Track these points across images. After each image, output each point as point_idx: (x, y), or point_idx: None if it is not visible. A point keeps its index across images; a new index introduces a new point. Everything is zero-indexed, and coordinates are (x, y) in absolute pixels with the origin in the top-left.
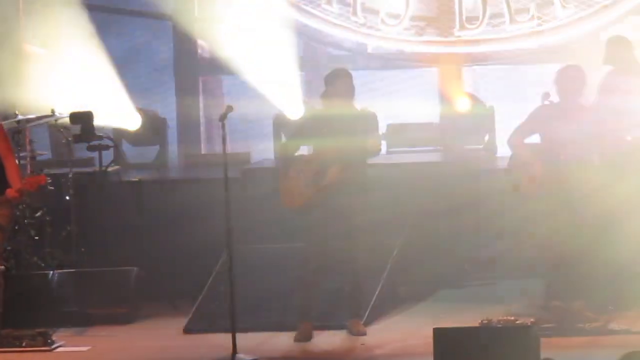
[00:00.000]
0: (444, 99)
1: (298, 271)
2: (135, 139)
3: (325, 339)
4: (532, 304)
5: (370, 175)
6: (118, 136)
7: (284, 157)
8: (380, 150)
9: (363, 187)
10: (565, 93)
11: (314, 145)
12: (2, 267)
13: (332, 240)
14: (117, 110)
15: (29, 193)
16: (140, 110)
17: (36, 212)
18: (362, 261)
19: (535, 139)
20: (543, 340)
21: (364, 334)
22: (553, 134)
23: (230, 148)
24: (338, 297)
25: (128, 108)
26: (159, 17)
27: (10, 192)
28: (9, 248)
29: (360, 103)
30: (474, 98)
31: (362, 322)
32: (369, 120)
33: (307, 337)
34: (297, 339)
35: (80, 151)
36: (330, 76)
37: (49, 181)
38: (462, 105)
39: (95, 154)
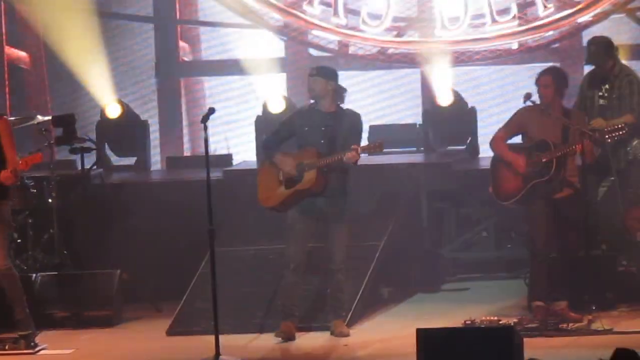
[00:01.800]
0: (425, 100)
1: (280, 271)
2: (117, 145)
3: (309, 340)
4: (515, 304)
5: (352, 176)
6: (100, 139)
7: (265, 153)
8: (357, 161)
9: (341, 191)
10: (546, 94)
11: (297, 144)
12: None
13: (310, 241)
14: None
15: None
16: (121, 102)
17: (19, 215)
18: (343, 262)
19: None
20: (526, 340)
21: (347, 335)
22: (535, 135)
23: (212, 150)
24: (321, 298)
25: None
26: (141, 19)
27: (3, 174)
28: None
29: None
30: (456, 99)
31: (345, 323)
32: (351, 122)
33: (289, 337)
34: (277, 335)
35: (63, 153)
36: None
37: (29, 181)
38: (445, 106)
39: (78, 157)
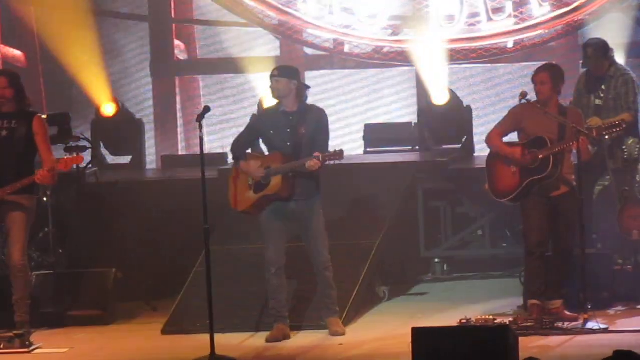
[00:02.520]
0: (421, 98)
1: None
2: (112, 144)
3: (303, 339)
4: (511, 303)
5: (325, 177)
6: (96, 138)
7: (233, 156)
8: (319, 168)
9: (312, 192)
10: (543, 91)
11: (266, 146)
12: None
13: (286, 242)
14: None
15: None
16: (116, 100)
17: None
18: (328, 260)
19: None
20: (522, 339)
21: (343, 334)
22: (531, 131)
23: (207, 148)
24: (311, 296)
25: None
26: (136, 18)
27: (40, 173)
28: None
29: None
30: (451, 98)
31: (341, 320)
32: (316, 118)
33: (279, 338)
34: (268, 340)
35: (58, 152)
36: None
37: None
38: (440, 105)
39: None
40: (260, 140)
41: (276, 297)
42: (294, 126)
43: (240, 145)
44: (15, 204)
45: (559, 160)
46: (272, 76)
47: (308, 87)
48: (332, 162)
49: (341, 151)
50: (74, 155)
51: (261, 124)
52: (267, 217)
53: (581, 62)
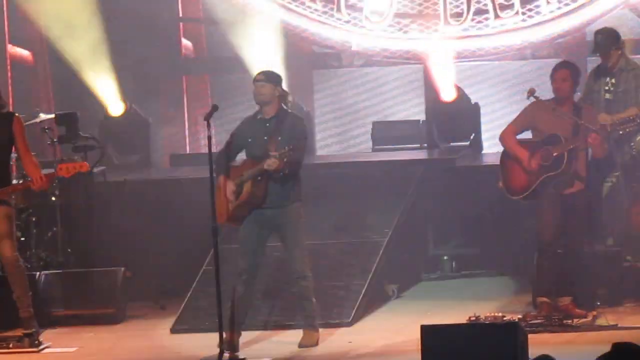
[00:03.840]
0: (429, 96)
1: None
2: (120, 143)
3: None
4: (520, 300)
5: (305, 182)
6: (104, 137)
7: (215, 169)
8: (279, 167)
9: (287, 198)
10: (563, 88)
11: (246, 155)
12: None
13: (262, 251)
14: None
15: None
16: (124, 99)
17: (22, 213)
18: (304, 270)
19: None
20: (531, 336)
21: (315, 345)
22: (545, 129)
23: (215, 147)
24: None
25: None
26: (144, 16)
27: (36, 181)
28: None
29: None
30: (459, 95)
31: (317, 333)
32: (292, 125)
33: (232, 348)
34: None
35: (66, 152)
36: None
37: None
38: (448, 102)
39: (81, 155)
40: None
41: (239, 307)
42: (269, 134)
43: (220, 158)
44: (2, 201)
45: (573, 157)
46: (256, 81)
47: (288, 94)
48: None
49: (292, 147)
50: (80, 158)
51: (240, 133)
52: (244, 224)
53: (591, 50)
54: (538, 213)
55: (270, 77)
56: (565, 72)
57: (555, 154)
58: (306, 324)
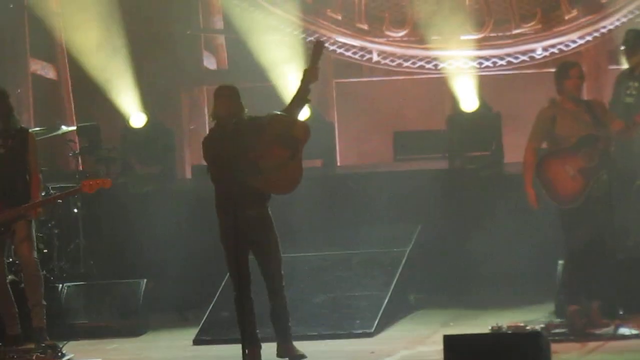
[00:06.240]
0: (450, 105)
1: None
2: (142, 154)
3: (333, 346)
4: (543, 309)
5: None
6: (126, 148)
7: None
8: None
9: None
10: (579, 85)
11: None
12: (11, 277)
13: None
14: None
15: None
16: (145, 110)
17: (45, 225)
18: (277, 290)
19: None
20: (554, 345)
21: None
22: (566, 129)
23: None
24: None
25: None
26: (165, 28)
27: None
28: (17, 262)
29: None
30: (480, 104)
31: (293, 347)
32: (253, 129)
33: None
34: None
35: (88, 164)
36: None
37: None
38: (469, 111)
39: (103, 166)
40: None
41: (241, 319)
42: (238, 140)
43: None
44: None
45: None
46: (215, 96)
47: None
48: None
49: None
50: (102, 170)
51: (211, 141)
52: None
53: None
54: (571, 220)
55: (233, 91)
56: (580, 70)
57: (597, 156)
58: (282, 339)
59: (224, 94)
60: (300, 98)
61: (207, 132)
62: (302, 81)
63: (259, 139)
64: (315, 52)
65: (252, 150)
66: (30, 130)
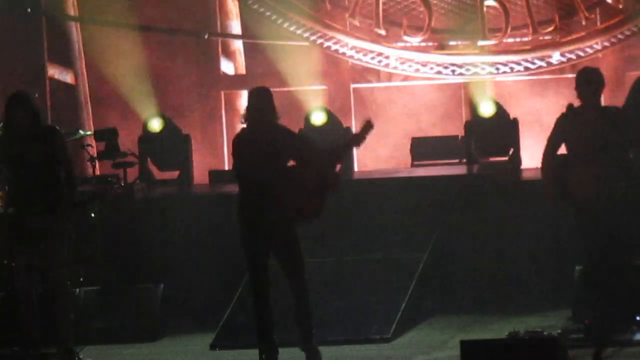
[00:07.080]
0: (467, 111)
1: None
2: (160, 159)
3: (351, 352)
4: (559, 315)
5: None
6: (143, 153)
7: None
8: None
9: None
10: (601, 92)
11: None
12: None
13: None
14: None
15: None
16: (162, 115)
17: None
18: (304, 290)
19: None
20: (570, 351)
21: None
22: (585, 135)
23: None
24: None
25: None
26: (182, 33)
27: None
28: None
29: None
30: (498, 110)
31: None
32: (285, 139)
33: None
34: None
35: (105, 168)
36: (248, 95)
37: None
38: (487, 117)
39: (120, 171)
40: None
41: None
42: (267, 145)
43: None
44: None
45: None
46: (250, 95)
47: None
48: None
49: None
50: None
51: (240, 142)
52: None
53: None
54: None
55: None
56: (600, 75)
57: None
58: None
59: (257, 94)
60: (338, 157)
61: (224, 135)
62: (346, 144)
63: (288, 154)
64: (364, 129)
65: (282, 162)
66: (57, 127)
